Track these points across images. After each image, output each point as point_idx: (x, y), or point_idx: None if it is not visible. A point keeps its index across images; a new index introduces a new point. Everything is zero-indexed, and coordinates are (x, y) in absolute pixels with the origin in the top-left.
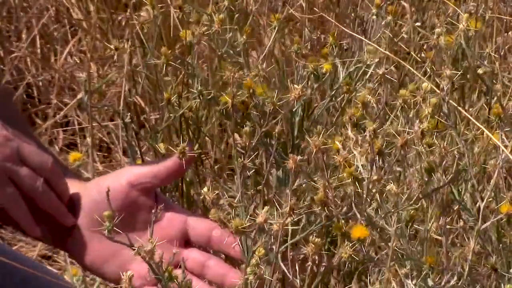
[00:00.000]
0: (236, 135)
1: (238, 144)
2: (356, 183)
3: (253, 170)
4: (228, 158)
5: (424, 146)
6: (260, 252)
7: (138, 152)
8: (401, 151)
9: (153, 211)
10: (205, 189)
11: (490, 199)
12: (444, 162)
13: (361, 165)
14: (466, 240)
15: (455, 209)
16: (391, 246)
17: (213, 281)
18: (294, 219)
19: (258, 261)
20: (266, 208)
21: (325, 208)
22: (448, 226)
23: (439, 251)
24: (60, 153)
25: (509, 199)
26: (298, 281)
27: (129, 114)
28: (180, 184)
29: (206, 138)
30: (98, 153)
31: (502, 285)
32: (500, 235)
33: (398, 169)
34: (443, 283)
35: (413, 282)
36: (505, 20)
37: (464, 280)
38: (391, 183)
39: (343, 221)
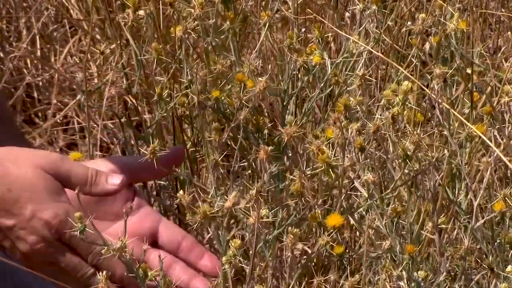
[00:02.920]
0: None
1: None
2: (330, 170)
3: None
4: (223, 156)
5: (395, 132)
6: (236, 243)
7: (136, 151)
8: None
9: (127, 203)
10: (181, 192)
11: (486, 197)
12: (417, 150)
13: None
14: (463, 239)
15: (450, 208)
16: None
17: (177, 284)
18: (271, 212)
19: (234, 252)
20: (234, 193)
21: (302, 199)
22: (443, 226)
23: (434, 250)
24: (60, 153)
25: (502, 197)
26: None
27: (128, 113)
28: (175, 183)
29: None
30: (98, 153)
31: (498, 283)
32: (494, 234)
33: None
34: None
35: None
36: (494, 20)
37: (459, 279)
38: (368, 173)
39: (318, 211)
